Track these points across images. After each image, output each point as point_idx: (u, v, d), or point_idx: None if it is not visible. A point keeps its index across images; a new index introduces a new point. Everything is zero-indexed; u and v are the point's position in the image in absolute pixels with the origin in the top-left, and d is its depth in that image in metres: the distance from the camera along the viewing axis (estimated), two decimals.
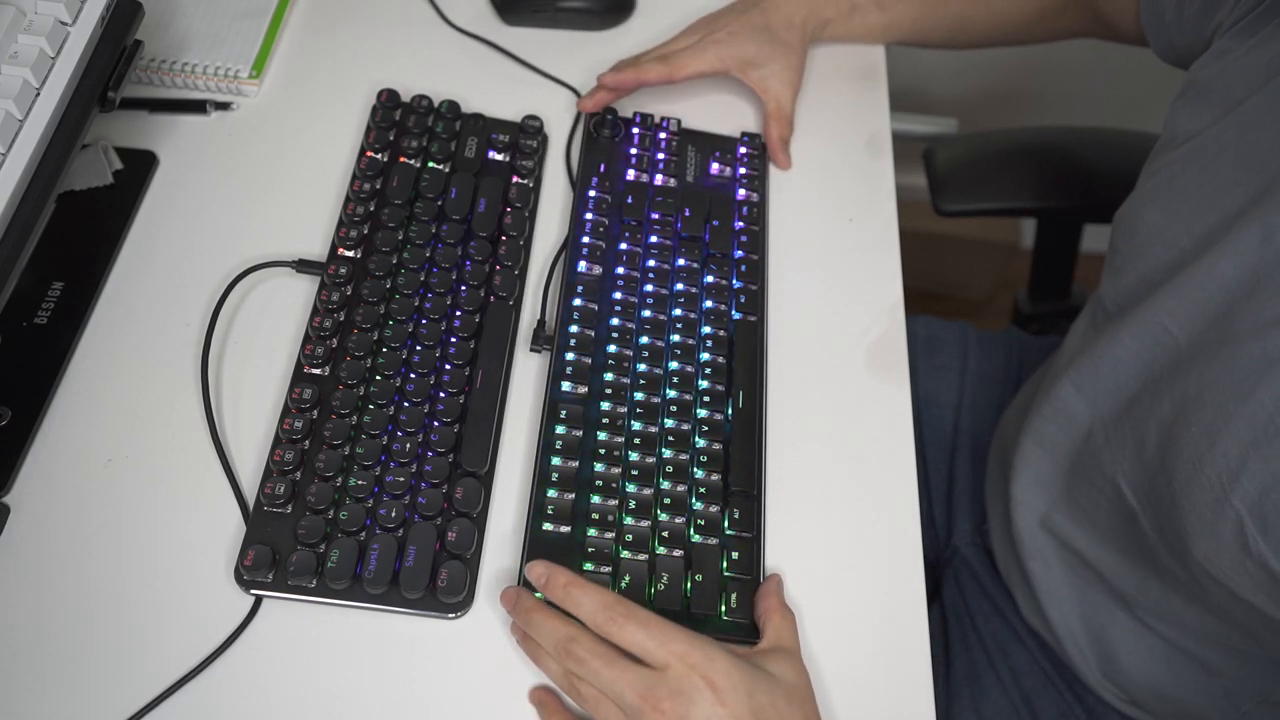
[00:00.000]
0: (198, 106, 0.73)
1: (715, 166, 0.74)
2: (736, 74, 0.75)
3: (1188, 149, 0.60)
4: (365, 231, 0.66)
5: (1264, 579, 0.53)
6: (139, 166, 0.70)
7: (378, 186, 0.68)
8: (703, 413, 0.62)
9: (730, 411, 0.62)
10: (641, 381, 0.63)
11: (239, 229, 0.68)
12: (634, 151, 0.73)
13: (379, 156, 0.70)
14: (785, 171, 0.75)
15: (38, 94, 0.59)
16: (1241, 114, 0.57)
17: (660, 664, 0.49)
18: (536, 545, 0.57)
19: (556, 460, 0.59)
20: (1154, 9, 0.68)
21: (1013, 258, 1.54)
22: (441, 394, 0.60)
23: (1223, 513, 0.54)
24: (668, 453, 0.60)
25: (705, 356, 0.64)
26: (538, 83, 0.78)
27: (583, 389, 0.62)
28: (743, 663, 0.50)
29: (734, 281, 0.68)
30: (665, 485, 0.59)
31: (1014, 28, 0.82)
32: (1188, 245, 0.58)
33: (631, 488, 0.59)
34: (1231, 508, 0.53)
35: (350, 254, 0.66)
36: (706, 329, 0.65)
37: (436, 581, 0.55)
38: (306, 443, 0.58)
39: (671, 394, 0.62)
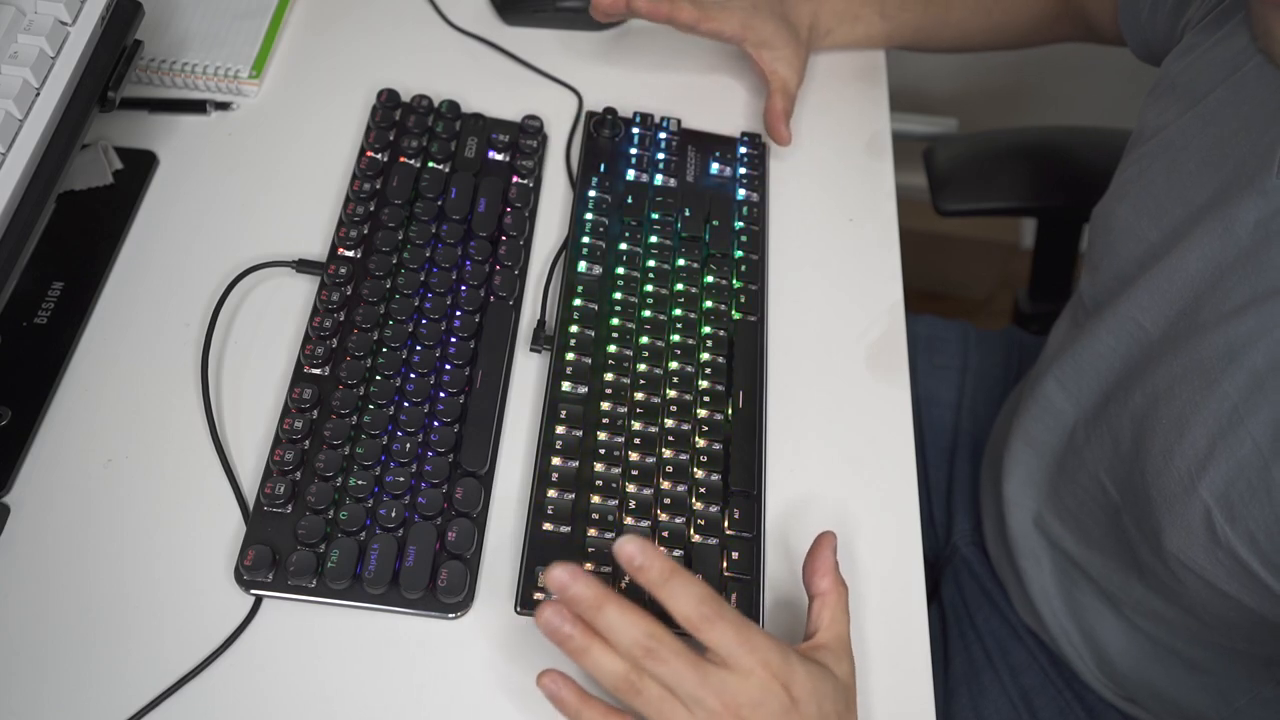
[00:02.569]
0: (198, 106, 0.74)
1: (715, 166, 0.74)
2: (750, 49, 0.74)
3: (1154, 144, 0.61)
4: (365, 231, 0.66)
5: (1235, 568, 0.54)
6: (139, 166, 0.70)
7: (378, 186, 0.68)
8: (703, 413, 0.62)
9: (730, 411, 0.62)
10: (641, 381, 0.63)
11: (239, 229, 0.68)
12: (634, 151, 0.73)
13: (379, 156, 0.70)
14: (785, 169, 0.75)
15: (38, 94, 0.59)
16: (1205, 108, 0.58)
17: (745, 669, 0.46)
18: (536, 545, 0.57)
19: (556, 460, 0.59)
20: (1131, 10, 0.69)
21: (1013, 258, 1.55)
22: (441, 394, 0.60)
23: (1191, 503, 0.54)
24: (668, 453, 0.60)
25: (705, 356, 0.64)
26: (538, 83, 0.78)
27: (583, 389, 0.62)
28: (814, 669, 0.49)
29: (734, 281, 0.68)
30: (665, 485, 0.59)
31: (1011, 35, 0.83)
32: (1156, 240, 0.59)
33: (631, 488, 0.59)
34: (1199, 498, 0.54)
35: (350, 254, 0.66)
36: (706, 329, 0.65)
37: (436, 581, 0.55)
38: (306, 443, 0.58)
39: (671, 394, 0.62)
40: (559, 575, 0.46)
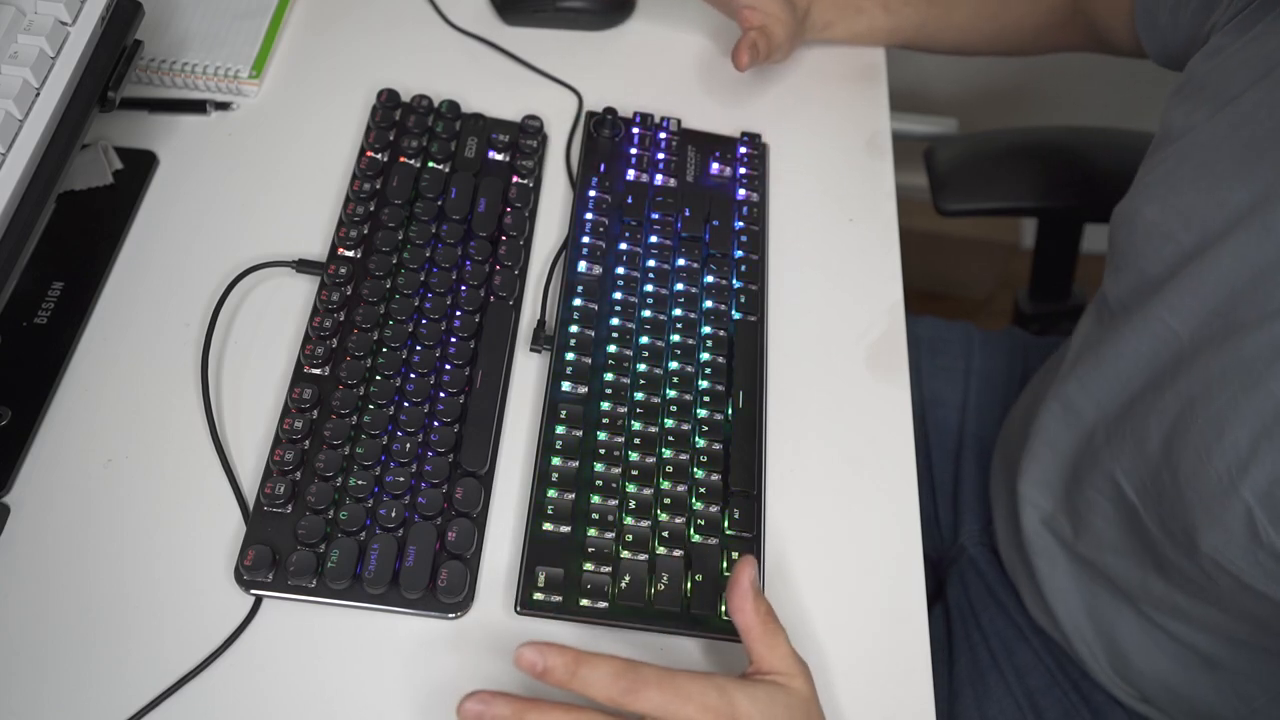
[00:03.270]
0: (198, 106, 0.74)
1: (715, 166, 0.74)
2: (742, 10, 0.73)
3: (1184, 144, 0.60)
4: (365, 231, 0.66)
5: (1276, 568, 0.53)
6: (139, 166, 0.70)
7: (378, 186, 0.68)
8: (703, 413, 0.62)
9: (730, 411, 0.62)
10: (641, 381, 0.63)
11: (239, 229, 0.68)
12: (634, 151, 0.73)
13: (379, 156, 0.70)
14: (785, 169, 0.75)
15: (38, 94, 0.59)
16: (1238, 108, 0.57)
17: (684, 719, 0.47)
18: (536, 545, 0.57)
19: (556, 460, 0.59)
20: (1148, 14, 0.69)
21: (1013, 258, 1.55)
22: (441, 394, 0.60)
23: (1231, 504, 0.54)
24: (668, 453, 0.60)
25: (705, 356, 0.64)
26: (538, 83, 0.78)
27: (583, 389, 0.62)
28: (759, 691, 0.48)
29: (734, 281, 0.68)
30: (665, 485, 0.59)
31: (1015, 40, 0.83)
32: (1186, 240, 0.59)
33: (631, 488, 0.59)
34: (1240, 498, 0.53)
35: (350, 254, 0.66)
36: (706, 329, 0.65)
37: (436, 581, 0.55)
38: (306, 443, 0.58)
39: (671, 394, 0.62)
40: (472, 710, 0.46)
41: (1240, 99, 0.57)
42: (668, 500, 0.58)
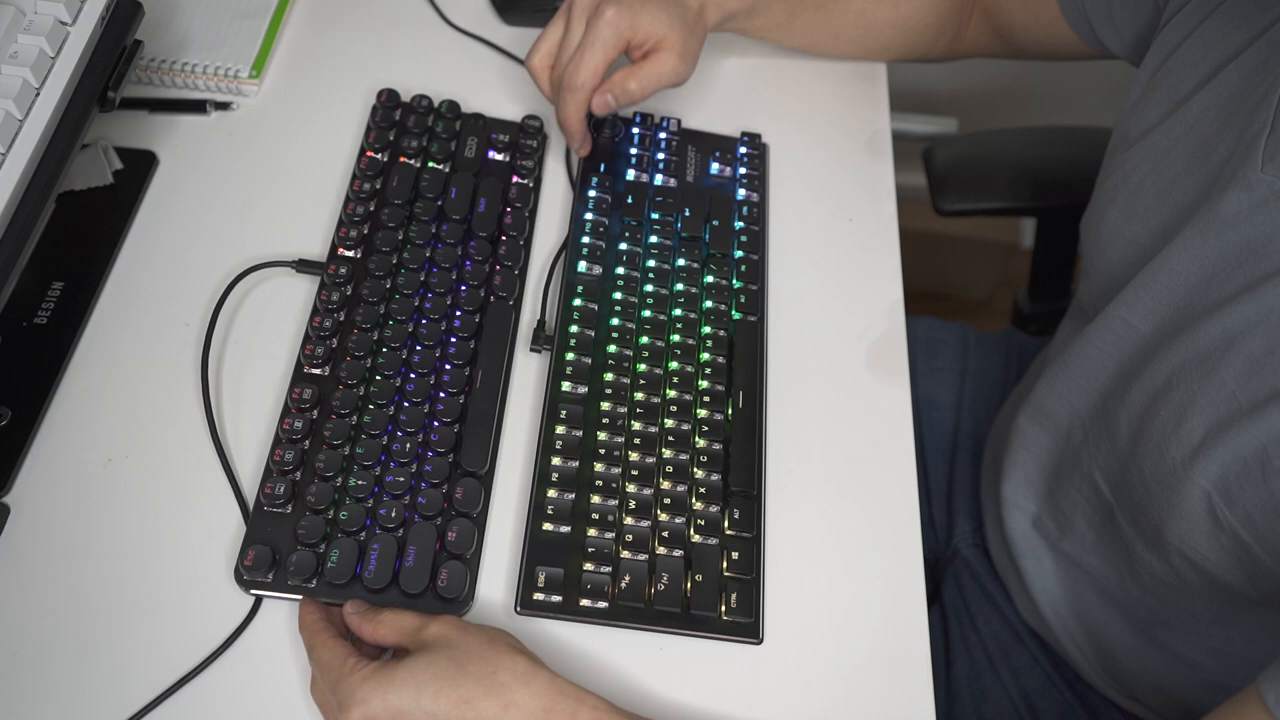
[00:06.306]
0: (198, 106, 0.74)
1: (715, 166, 0.74)
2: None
3: (1140, 148, 0.61)
4: (365, 231, 0.66)
5: (1238, 551, 0.54)
6: (139, 166, 0.70)
7: (378, 186, 0.68)
8: (703, 413, 0.62)
9: (730, 411, 0.62)
10: (641, 381, 0.63)
11: (239, 229, 0.68)
12: (634, 151, 0.73)
13: (379, 156, 0.70)
14: (785, 169, 0.75)
15: (38, 94, 0.59)
16: (1188, 110, 0.58)
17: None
18: (536, 545, 0.57)
19: (556, 460, 0.59)
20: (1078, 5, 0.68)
21: (1013, 258, 1.55)
22: (441, 394, 0.60)
23: (1191, 491, 0.55)
24: (668, 453, 0.60)
25: (705, 356, 0.64)
26: None
27: (583, 389, 0.62)
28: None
29: (734, 281, 0.68)
30: (665, 485, 0.59)
31: (918, 34, 0.78)
32: (1144, 240, 0.60)
33: (631, 488, 0.59)
34: (1199, 485, 0.54)
35: (350, 254, 0.66)
36: (706, 329, 0.65)
37: (436, 581, 0.55)
38: (306, 443, 0.58)
39: (671, 394, 0.62)
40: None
41: (1190, 101, 0.58)
42: (668, 500, 0.58)
